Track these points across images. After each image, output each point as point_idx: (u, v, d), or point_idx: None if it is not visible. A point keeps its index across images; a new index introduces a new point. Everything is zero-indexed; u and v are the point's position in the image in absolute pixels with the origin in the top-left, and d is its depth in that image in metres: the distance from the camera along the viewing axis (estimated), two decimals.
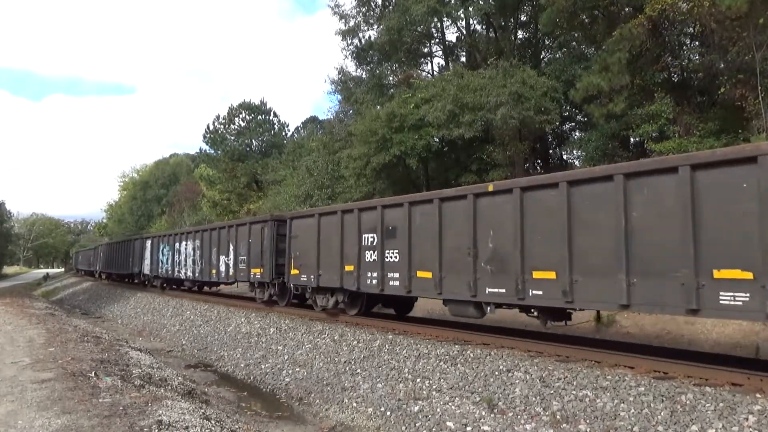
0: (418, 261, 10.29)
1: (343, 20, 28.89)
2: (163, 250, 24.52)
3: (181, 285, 23.97)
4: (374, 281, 11.32)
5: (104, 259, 37.30)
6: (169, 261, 23.50)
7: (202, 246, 20.12)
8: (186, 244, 21.84)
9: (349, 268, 12.12)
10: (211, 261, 19.16)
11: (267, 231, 15.49)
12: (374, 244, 11.41)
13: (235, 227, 17.70)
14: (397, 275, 10.78)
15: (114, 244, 36.16)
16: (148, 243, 26.82)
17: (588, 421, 6.57)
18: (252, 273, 16.21)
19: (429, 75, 29.14)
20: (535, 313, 9.01)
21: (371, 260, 11.46)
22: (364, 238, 11.73)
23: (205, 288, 23.45)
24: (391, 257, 10.94)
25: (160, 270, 24.86)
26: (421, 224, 10.32)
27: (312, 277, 13.39)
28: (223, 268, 18.32)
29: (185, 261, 21.80)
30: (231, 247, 17.74)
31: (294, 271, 14.23)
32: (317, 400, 9.79)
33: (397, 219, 10.84)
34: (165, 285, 25.15)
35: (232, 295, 22.01)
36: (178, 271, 22.63)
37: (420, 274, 10.26)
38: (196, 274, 20.75)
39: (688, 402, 6.25)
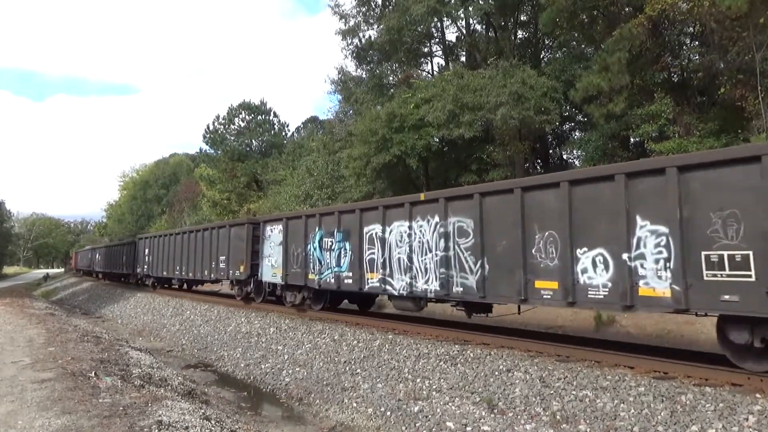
0: None
1: (343, 20, 28.99)
2: (321, 241, 13.78)
3: (372, 304, 15.38)
4: None
5: (157, 257, 25.89)
6: (346, 260, 12.80)
7: (483, 228, 9.33)
8: (406, 228, 10.92)
9: None
10: (550, 261, 8.27)
11: None
12: None
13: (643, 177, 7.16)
14: None
15: (181, 234, 23.27)
16: (274, 230, 15.70)
17: (588, 421, 6.57)
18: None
19: (429, 75, 29.18)
20: None
21: None
22: None
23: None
24: None
25: (318, 276, 13.75)
26: None
27: None
28: (604, 275, 7.53)
29: (405, 262, 10.91)
30: (647, 228, 7.07)
31: None
32: (317, 400, 9.78)
33: None
34: (309, 302, 14.75)
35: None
36: (383, 280, 11.53)
37: None
38: (454, 287, 9.83)
39: (688, 402, 6.25)
